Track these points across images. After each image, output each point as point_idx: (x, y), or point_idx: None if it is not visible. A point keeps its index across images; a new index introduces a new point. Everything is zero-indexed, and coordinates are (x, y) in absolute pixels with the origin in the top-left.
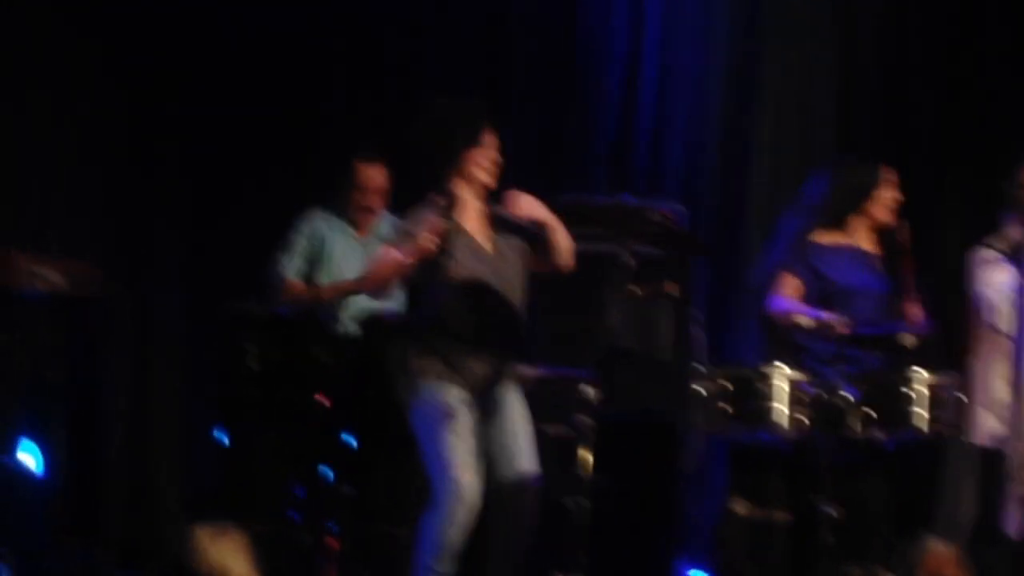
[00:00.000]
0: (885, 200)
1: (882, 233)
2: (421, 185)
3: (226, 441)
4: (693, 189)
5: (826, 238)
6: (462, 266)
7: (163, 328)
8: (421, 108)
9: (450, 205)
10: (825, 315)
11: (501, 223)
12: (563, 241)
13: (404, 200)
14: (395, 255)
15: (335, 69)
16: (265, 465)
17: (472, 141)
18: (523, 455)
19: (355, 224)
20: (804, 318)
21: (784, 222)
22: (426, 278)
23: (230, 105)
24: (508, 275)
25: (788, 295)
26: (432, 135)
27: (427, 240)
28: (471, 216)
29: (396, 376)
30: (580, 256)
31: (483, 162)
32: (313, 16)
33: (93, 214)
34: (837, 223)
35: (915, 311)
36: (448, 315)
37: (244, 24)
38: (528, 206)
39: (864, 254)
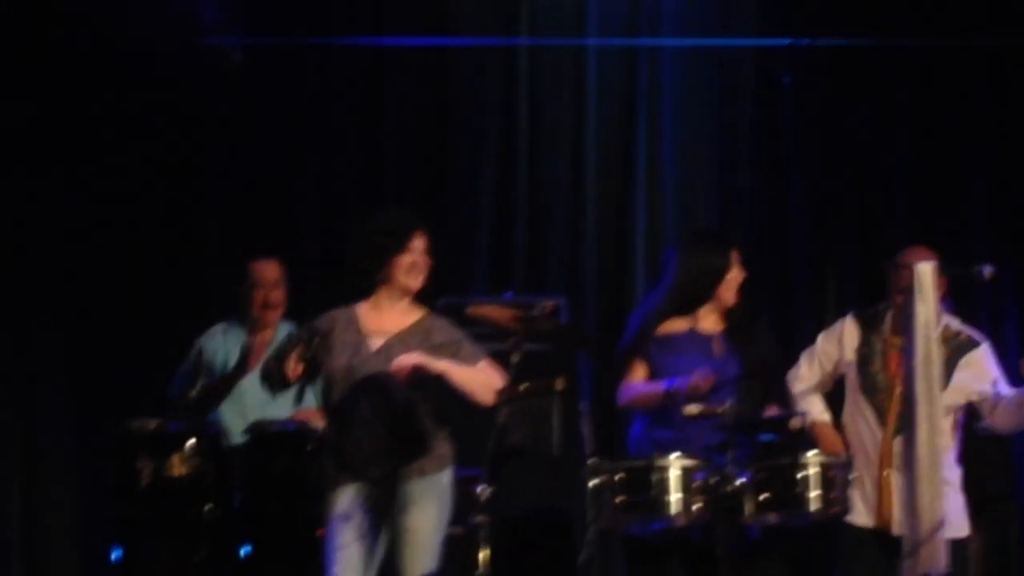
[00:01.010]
0: (733, 282)
1: (729, 312)
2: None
3: (122, 558)
4: (575, 281)
5: (670, 326)
6: (336, 362)
7: (53, 448)
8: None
9: (311, 340)
10: (680, 381)
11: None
12: (469, 381)
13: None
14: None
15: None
16: None
17: (397, 247)
18: (419, 558)
19: (259, 323)
20: (690, 408)
21: (641, 306)
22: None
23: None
24: (379, 373)
25: (636, 381)
26: (361, 242)
27: (290, 366)
28: (383, 317)
29: (293, 483)
30: None
31: (408, 266)
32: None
33: None
34: (686, 308)
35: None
36: (338, 421)
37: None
38: (403, 363)
39: (706, 339)
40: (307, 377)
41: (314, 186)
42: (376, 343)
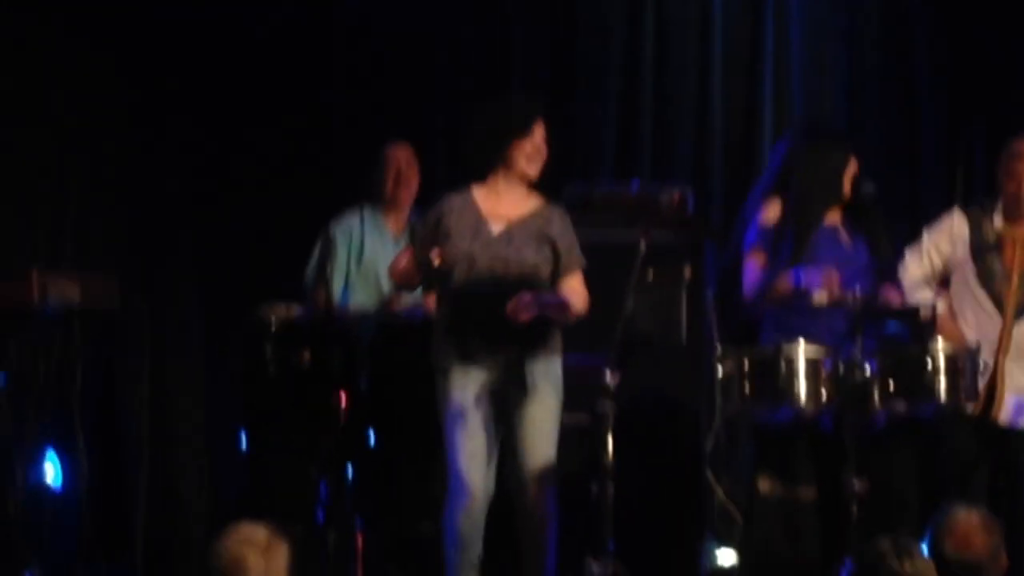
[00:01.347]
0: (850, 177)
1: (849, 209)
2: (469, 173)
3: (249, 446)
4: (701, 171)
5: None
6: (456, 247)
7: (181, 337)
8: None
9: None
10: (809, 276)
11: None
12: (560, 314)
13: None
14: (403, 262)
15: (359, 67)
16: (288, 467)
17: (520, 131)
18: (539, 444)
19: (393, 205)
20: (818, 295)
21: (753, 199)
22: (435, 273)
23: (248, 107)
24: (507, 258)
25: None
26: (483, 125)
27: (432, 255)
28: (501, 201)
29: (419, 371)
30: (594, 245)
31: (529, 152)
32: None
33: (107, 226)
34: (810, 214)
35: (893, 291)
36: (458, 306)
37: (250, 25)
38: (518, 311)
39: (832, 232)
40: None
41: (442, 77)
42: (497, 227)
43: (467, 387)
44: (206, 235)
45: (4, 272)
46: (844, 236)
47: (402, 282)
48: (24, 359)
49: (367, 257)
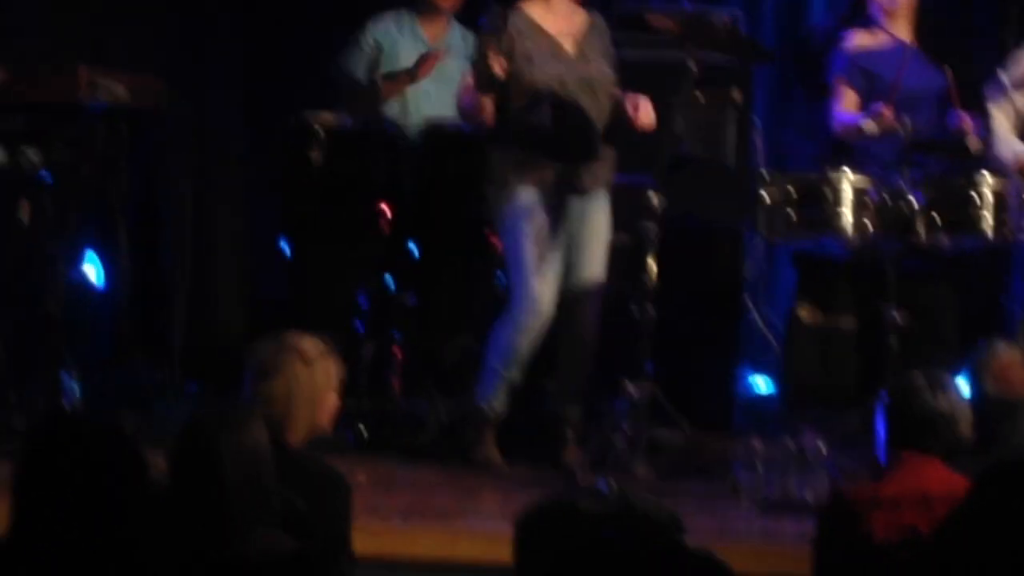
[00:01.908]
0: None
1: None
2: None
3: (289, 252)
4: None
5: (864, 40)
6: (540, 69)
7: (225, 139)
8: None
9: (499, 25)
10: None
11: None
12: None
13: None
14: (469, 86)
15: None
16: (329, 276)
17: None
18: (590, 263)
19: (434, 12)
20: (867, 123)
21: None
22: (505, 84)
23: None
24: (589, 77)
25: (846, 107)
26: None
27: (496, 66)
28: (557, 17)
29: (466, 184)
30: (643, 64)
31: None
32: None
33: (154, 24)
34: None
35: (965, 117)
36: (524, 118)
37: None
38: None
39: (909, 49)
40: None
41: None
42: (569, 46)
43: (536, 202)
44: (252, 38)
45: (51, 67)
46: (913, 54)
47: (474, 113)
48: (68, 156)
49: (401, 64)
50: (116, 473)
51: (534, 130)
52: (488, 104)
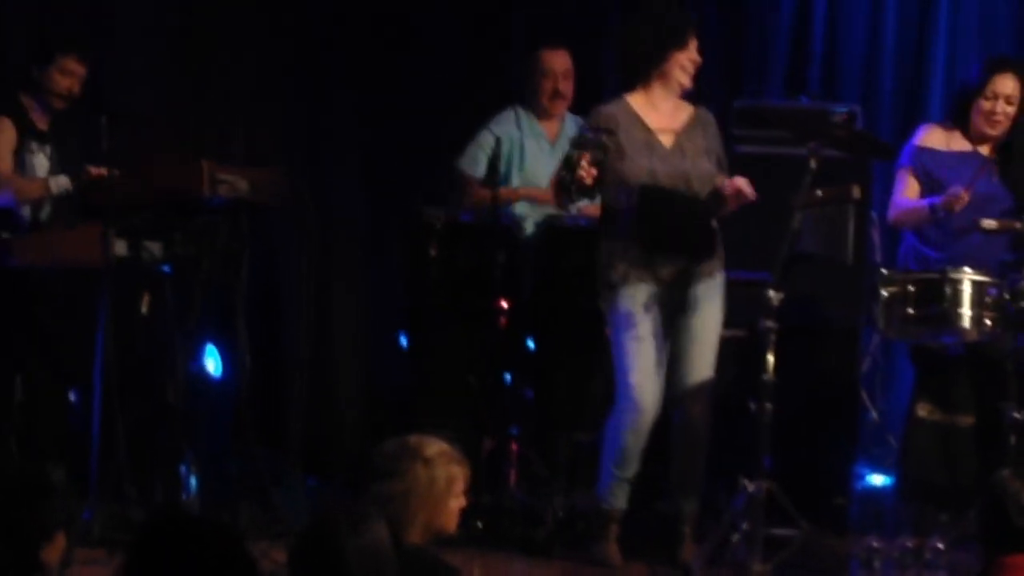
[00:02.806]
0: (984, 107)
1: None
2: (621, 80)
3: (408, 345)
4: (871, 90)
5: (942, 141)
6: (632, 162)
7: (345, 232)
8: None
9: (601, 143)
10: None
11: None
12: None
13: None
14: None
15: None
16: (446, 370)
17: (678, 43)
18: (701, 357)
19: (546, 113)
20: (988, 222)
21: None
22: (605, 180)
23: (413, 5)
24: (687, 172)
25: (907, 195)
26: (641, 34)
27: (586, 176)
28: (660, 111)
29: (583, 279)
30: (762, 160)
31: (685, 64)
32: None
33: (276, 120)
34: (953, 124)
35: None
36: (628, 215)
37: None
38: (740, 192)
39: (977, 159)
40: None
41: None
42: (667, 141)
43: (639, 298)
44: (372, 132)
45: (175, 161)
46: (989, 166)
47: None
48: (189, 250)
49: (528, 162)
50: (225, 573)
51: (633, 224)
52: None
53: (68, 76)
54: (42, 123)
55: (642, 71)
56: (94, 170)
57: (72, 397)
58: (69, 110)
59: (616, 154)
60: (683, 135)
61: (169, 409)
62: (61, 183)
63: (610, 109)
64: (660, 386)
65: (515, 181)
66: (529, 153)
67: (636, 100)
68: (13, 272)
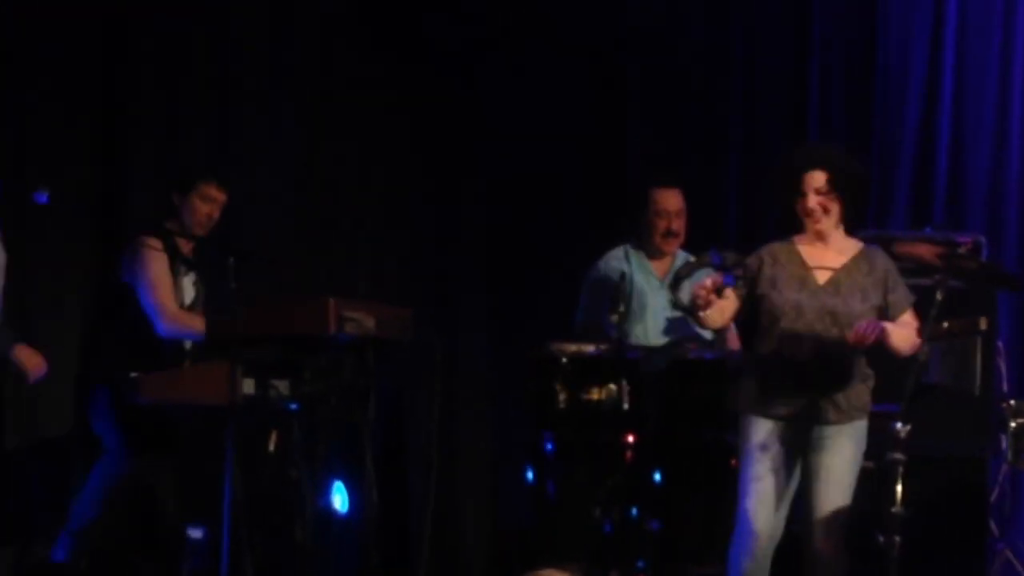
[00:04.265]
0: None
1: None
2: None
3: (534, 480)
4: (995, 221)
5: None
6: (780, 295)
7: (469, 369)
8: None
9: (738, 269)
10: None
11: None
12: (900, 342)
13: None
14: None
15: (630, 106)
16: (573, 503)
17: (795, 190)
18: (831, 492)
19: (658, 252)
20: None
21: None
22: (748, 310)
23: (529, 146)
24: (835, 308)
25: None
26: (788, 168)
27: (703, 299)
28: (826, 249)
29: (709, 412)
30: None
31: (804, 210)
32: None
33: (400, 257)
34: None
35: None
36: (765, 347)
37: (533, 71)
38: (865, 336)
39: None
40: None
41: (739, 116)
42: (822, 276)
43: (763, 431)
44: (496, 268)
45: (302, 300)
46: None
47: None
48: (317, 387)
49: (639, 300)
50: None
51: (769, 357)
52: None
53: (209, 202)
54: (186, 248)
55: (788, 212)
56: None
57: (199, 534)
58: (210, 236)
59: (769, 284)
60: (842, 272)
61: (297, 546)
62: None
63: (775, 246)
64: (779, 515)
65: (625, 318)
66: (636, 290)
67: (802, 238)
68: (143, 408)
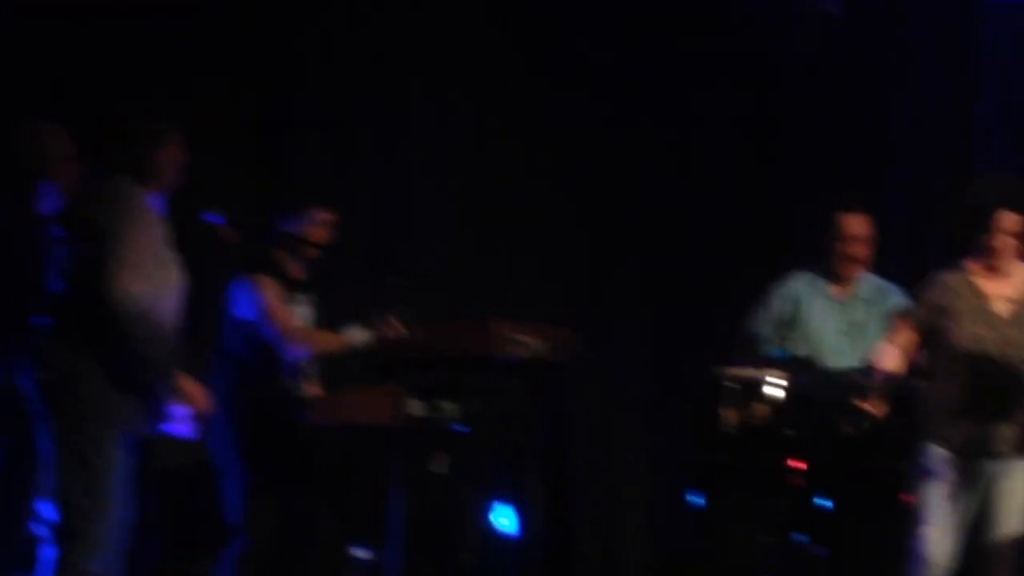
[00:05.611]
0: None
1: None
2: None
3: (699, 504)
4: None
5: None
6: (959, 327)
7: (631, 390)
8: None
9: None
10: None
11: None
12: None
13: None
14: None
15: (805, 132)
16: (736, 529)
17: (983, 228)
18: (1005, 523)
19: (840, 278)
20: None
21: None
22: (928, 342)
23: (694, 166)
24: (1013, 340)
25: None
26: (977, 204)
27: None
28: (1002, 280)
29: (880, 439)
30: None
31: (990, 249)
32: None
33: (562, 279)
34: None
35: None
36: (943, 377)
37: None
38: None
39: None
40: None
41: (905, 141)
42: (1002, 308)
43: (948, 460)
44: (656, 289)
45: (468, 322)
46: None
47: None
48: (483, 408)
49: (812, 325)
50: None
51: (949, 388)
52: None
53: (321, 227)
54: (298, 273)
55: (977, 239)
56: (391, 326)
57: (364, 555)
58: (326, 259)
59: (946, 315)
60: (1022, 303)
61: (462, 567)
62: (360, 336)
63: (948, 277)
64: (954, 545)
65: (797, 341)
66: (815, 315)
67: (975, 267)
68: (309, 427)
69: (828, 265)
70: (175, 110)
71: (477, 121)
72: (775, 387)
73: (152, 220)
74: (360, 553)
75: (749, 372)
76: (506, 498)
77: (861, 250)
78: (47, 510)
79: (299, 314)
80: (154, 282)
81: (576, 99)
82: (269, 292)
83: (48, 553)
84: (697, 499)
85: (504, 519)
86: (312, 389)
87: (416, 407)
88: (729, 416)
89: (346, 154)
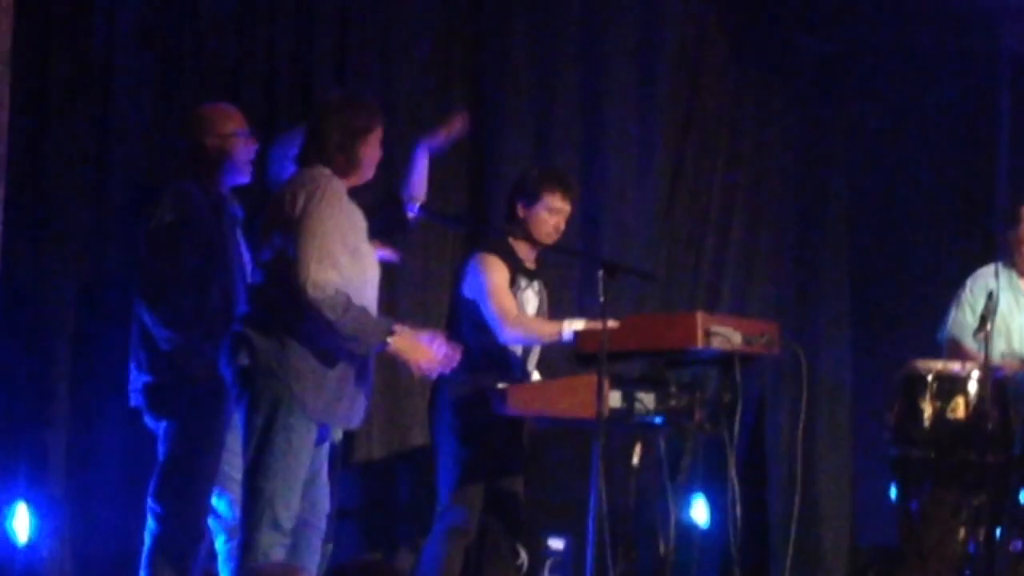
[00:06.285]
0: None
1: None
2: None
3: (898, 498)
4: None
5: None
6: None
7: (831, 383)
8: None
9: None
10: None
11: None
12: None
13: None
14: None
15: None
16: (935, 523)
17: None
18: None
19: None
20: None
21: None
22: None
23: (895, 160)
24: None
25: None
26: None
27: None
28: None
29: None
30: None
31: None
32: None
33: (765, 271)
34: None
35: None
36: None
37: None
38: None
39: None
40: None
41: None
42: None
43: None
44: (859, 283)
45: (670, 314)
46: None
47: None
48: (682, 401)
49: (1004, 318)
50: None
51: None
52: None
53: (555, 214)
54: (529, 261)
55: None
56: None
57: (561, 545)
58: (554, 247)
59: None
60: None
61: (659, 559)
62: (576, 326)
63: None
64: None
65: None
66: (1003, 306)
67: None
68: (506, 418)
69: (1017, 257)
70: (380, 105)
71: (681, 114)
72: (976, 381)
73: (350, 212)
74: (556, 543)
75: (950, 366)
76: (704, 490)
77: None
78: (221, 502)
79: (525, 300)
80: (347, 273)
81: (778, 90)
82: (495, 273)
83: (224, 543)
84: (897, 493)
85: (701, 511)
86: (533, 375)
87: (615, 399)
88: (930, 411)
89: (545, 147)
